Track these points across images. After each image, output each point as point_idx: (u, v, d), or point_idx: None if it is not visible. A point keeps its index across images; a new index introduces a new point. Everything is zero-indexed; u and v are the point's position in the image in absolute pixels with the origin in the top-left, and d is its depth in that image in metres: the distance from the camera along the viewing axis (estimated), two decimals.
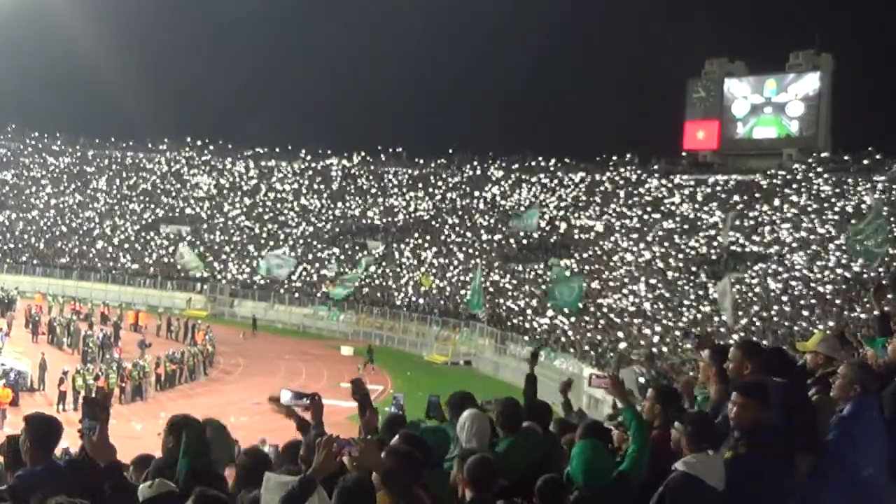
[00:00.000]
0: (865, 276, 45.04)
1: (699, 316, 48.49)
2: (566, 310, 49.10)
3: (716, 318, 44.75)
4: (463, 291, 61.84)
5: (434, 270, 67.95)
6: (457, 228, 75.65)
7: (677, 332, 46.18)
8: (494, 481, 5.58)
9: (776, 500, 5.37)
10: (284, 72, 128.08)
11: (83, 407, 5.55)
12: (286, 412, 7.09)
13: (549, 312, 53.84)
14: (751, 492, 5.27)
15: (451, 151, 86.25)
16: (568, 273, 53.10)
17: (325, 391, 7.11)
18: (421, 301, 63.14)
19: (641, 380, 36.73)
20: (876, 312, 8.88)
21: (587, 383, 7.47)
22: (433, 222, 77.77)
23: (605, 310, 53.79)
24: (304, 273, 70.39)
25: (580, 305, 49.17)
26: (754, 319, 45.68)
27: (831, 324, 38.94)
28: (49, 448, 5.84)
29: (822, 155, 70.41)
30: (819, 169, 67.31)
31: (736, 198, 67.46)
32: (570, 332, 50.86)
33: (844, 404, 5.76)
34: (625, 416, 6.49)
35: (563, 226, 71.77)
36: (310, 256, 73.73)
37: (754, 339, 39.30)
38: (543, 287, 57.30)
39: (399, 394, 14.21)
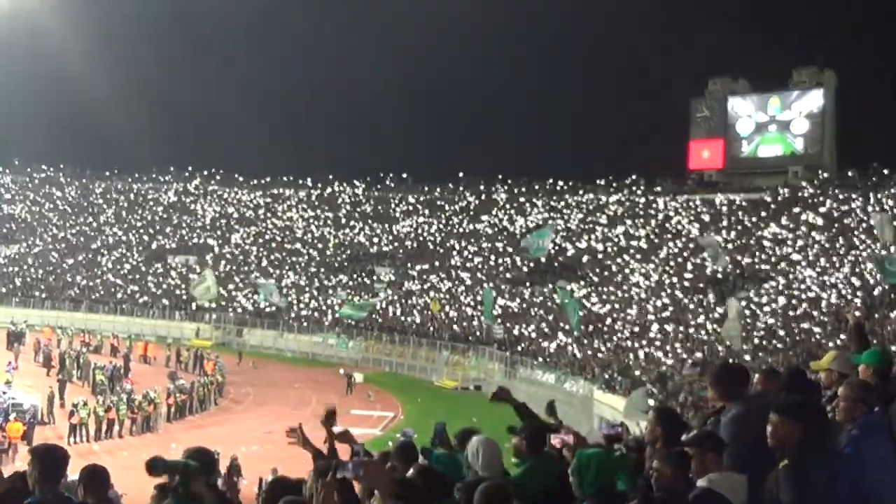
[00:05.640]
0: (876, 292, 44.99)
1: (709, 336, 48.27)
2: (575, 332, 49.85)
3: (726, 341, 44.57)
4: (472, 313, 61.93)
5: (442, 296, 67.87)
6: (464, 253, 75.66)
7: (685, 355, 46.05)
8: None
9: None
10: (284, 93, 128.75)
11: None
12: (302, 443, 7.13)
13: (560, 336, 53.87)
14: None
15: (460, 175, 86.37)
16: (569, 298, 53.56)
17: (336, 419, 7.09)
18: (429, 327, 63.05)
19: (651, 402, 36.63)
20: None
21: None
22: (440, 247, 77.79)
23: (615, 331, 53.69)
24: (313, 301, 70.38)
25: (581, 327, 49.74)
26: (763, 340, 45.51)
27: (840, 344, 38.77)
28: (56, 478, 5.82)
29: (828, 174, 70.30)
30: (826, 186, 67.29)
31: (742, 216, 67.44)
32: (578, 355, 50.78)
33: (850, 425, 5.75)
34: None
35: (571, 248, 71.73)
36: (317, 284, 73.81)
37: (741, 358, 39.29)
38: (554, 310, 57.41)
39: (409, 429, 14.40)
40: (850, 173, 67.81)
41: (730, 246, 61.10)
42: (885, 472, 5.35)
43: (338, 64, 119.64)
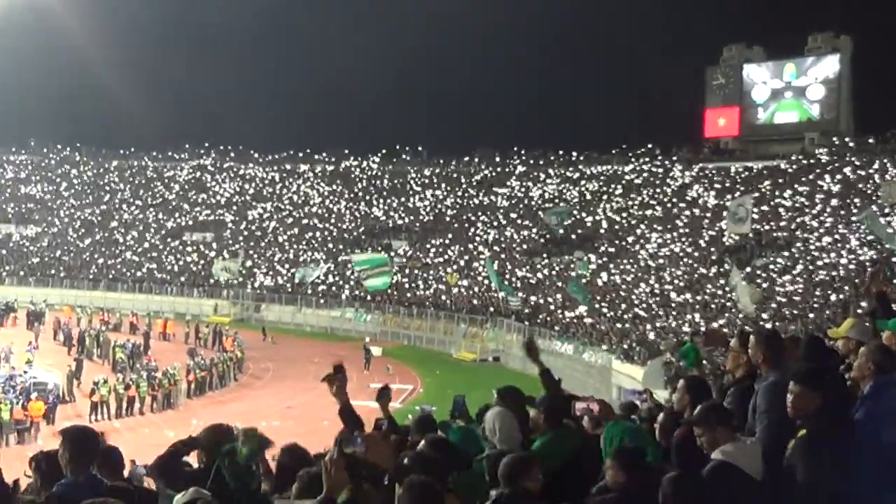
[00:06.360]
0: (895, 258, 44.68)
1: (726, 304, 48.15)
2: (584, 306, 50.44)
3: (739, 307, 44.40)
4: (490, 284, 61.92)
5: (459, 268, 67.87)
6: (480, 225, 75.57)
7: (703, 323, 45.95)
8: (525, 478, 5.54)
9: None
10: (296, 73, 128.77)
11: None
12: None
13: (579, 307, 53.86)
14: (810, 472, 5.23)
15: (472, 152, 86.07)
16: (581, 271, 53.86)
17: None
18: (447, 299, 63.05)
19: (672, 370, 36.59)
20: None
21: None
22: (457, 220, 77.71)
23: (632, 301, 53.61)
24: (330, 275, 70.48)
25: (589, 298, 50.39)
26: (782, 307, 45.41)
27: (860, 311, 38.58)
28: (88, 460, 5.82)
29: (846, 140, 69.68)
30: (843, 152, 66.80)
31: (759, 184, 67.06)
32: (597, 325, 50.75)
33: (864, 386, 5.78)
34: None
35: (588, 219, 71.54)
36: (337, 259, 73.88)
37: (771, 327, 39.16)
38: (565, 282, 57.31)
39: (427, 405, 14.48)
40: (866, 139, 67.33)
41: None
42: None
43: (341, 65, 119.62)
